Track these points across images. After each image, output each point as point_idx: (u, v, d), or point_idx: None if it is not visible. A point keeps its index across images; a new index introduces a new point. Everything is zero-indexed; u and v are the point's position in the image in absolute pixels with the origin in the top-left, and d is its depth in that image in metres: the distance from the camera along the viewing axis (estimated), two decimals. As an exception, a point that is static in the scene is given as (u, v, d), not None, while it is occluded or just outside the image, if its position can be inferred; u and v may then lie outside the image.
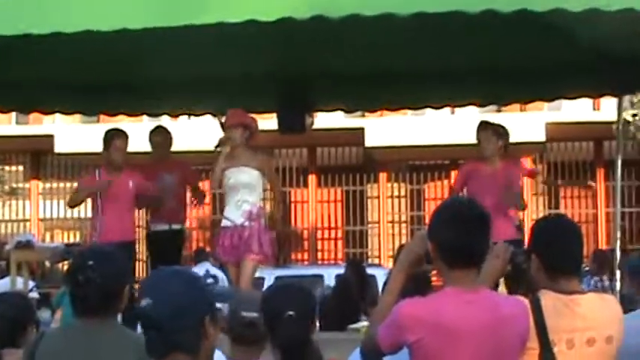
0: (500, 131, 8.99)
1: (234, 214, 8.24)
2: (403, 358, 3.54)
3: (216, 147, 8.35)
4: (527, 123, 18.44)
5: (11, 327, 4.40)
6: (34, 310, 4.90)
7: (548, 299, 3.78)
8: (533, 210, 19.73)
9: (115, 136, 9.13)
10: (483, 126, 8.96)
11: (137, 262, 10.77)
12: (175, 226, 9.56)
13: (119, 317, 4.01)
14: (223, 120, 8.59)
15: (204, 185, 10.91)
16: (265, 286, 10.86)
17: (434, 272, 3.81)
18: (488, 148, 8.79)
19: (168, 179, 9.44)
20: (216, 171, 8.31)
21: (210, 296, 3.00)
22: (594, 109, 19.68)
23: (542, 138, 18.82)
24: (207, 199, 20.11)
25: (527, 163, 9.70)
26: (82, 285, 3.72)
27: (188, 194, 9.78)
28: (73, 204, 9.73)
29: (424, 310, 3.48)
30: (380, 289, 10.92)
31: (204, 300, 2.95)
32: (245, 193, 8.24)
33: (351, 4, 5.96)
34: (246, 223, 8.16)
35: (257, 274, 11.79)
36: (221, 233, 8.41)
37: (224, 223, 8.37)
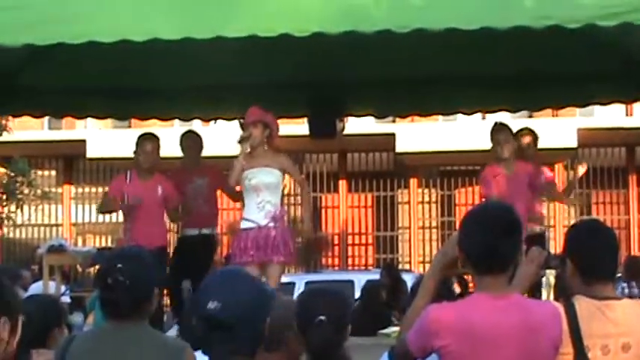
0: (527, 132, 8.93)
1: (257, 215, 8.04)
2: None
3: (239, 142, 8.12)
4: (559, 129, 18.36)
5: (38, 328, 4.42)
6: (63, 313, 4.91)
7: (583, 304, 3.76)
8: (565, 216, 19.64)
9: (145, 140, 9.14)
10: (498, 127, 8.83)
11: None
12: (206, 231, 9.54)
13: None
14: (242, 120, 8.37)
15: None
16: (296, 292, 10.91)
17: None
18: (507, 149, 8.65)
19: (199, 183, 9.46)
20: (235, 167, 8.10)
21: (271, 300, 2.99)
22: (627, 114, 19.57)
23: (574, 144, 18.71)
24: (238, 204, 20.17)
25: (546, 171, 9.55)
26: (111, 288, 3.72)
27: (219, 199, 9.79)
28: (102, 211, 9.74)
29: (452, 315, 3.47)
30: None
31: (267, 303, 2.95)
32: (267, 194, 8.06)
33: (382, 19, 5.98)
34: (271, 224, 7.98)
35: (288, 280, 11.86)
36: (242, 235, 8.10)
37: (244, 224, 8.13)
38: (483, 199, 9.05)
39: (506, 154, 8.66)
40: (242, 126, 8.29)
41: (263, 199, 8.05)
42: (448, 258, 3.67)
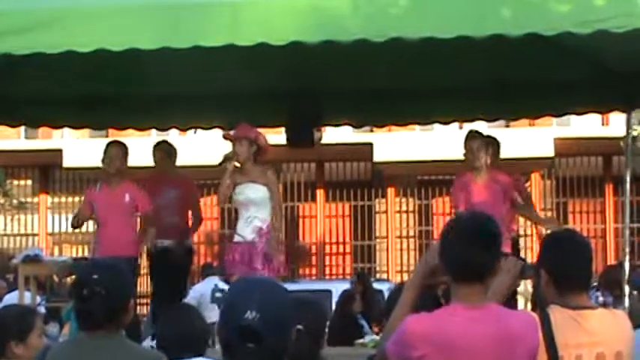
0: (490, 141, 8.89)
1: (245, 230, 8.26)
2: None
3: (220, 163, 8.33)
4: (535, 138, 18.45)
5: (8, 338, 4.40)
6: (28, 326, 4.85)
7: (557, 314, 3.77)
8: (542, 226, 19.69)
9: (110, 145, 9.08)
10: (472, 135, 8.83)
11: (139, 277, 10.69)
12: (180, 242, 9.48)
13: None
14: (232, 133, 8.50)
15: (206, 201, 10.92)
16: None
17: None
18: (479, 158, 8.62)
19: (170, 194, 9.41)
20: (221, 188, 8.32)
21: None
22: (603, 124, 19.66)
23: (550, 153, 18.80)
24: (216, 214, 20.10)
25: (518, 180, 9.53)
26: (87, 299, 3.70)
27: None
28: (74, 225, 9.59)
29: (428, 326, 3.47)
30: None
31: (294, 313, 2.91)
32: (254, 209, 8.25)
33: (359, 29, 5.99)
34: (257, 239, 8.18)
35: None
36: (232, 248, 8.40)
37: (236, 238, 8.39)
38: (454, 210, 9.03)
39: (477, 163, 8.66)
40: (225, 138, 8.44)
41: (251, 214, 8.25)
42: (429, 267, 3.68)
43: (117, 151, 9.02)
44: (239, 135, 8.32)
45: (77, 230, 9.82)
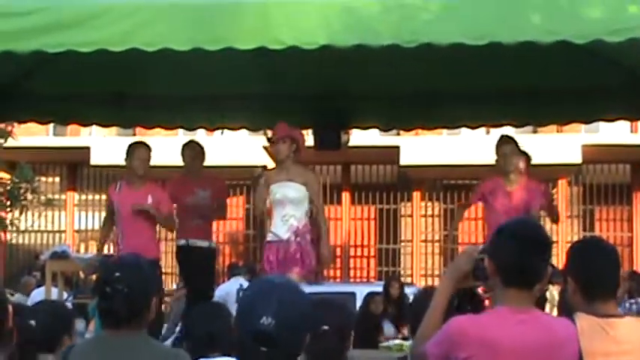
0: (522, 148, 8.85)
1: (281, 229, 8.21)
2: None
3: (256, 179, 8.35)
4: (563, 144, 18.37)
5: (47, 334, 4.42)
6: (72, 319, 4.91)
7: (584, 322, 3.76)
8: (568, 232, 19.62)
9: (139, 146, 9.04)
10: (505, 140, 8.78)
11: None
12: (207, 243, 9.52)
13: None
14: (270, 134, 8.48)
15: (232, 202, 10.96)
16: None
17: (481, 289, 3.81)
18: (510, 162, 8.57)
19: (201, 195, 9.43)
20: (257, 202, 8.40)
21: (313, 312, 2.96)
22: (632, 131, 19.58)
23: (578, 160, 18.72)
24: (241, 214, 20.15)
25: (547, 189, 9.46)
26: (110, 297, 3.70)
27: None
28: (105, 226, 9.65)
29: (475, 327, 3.47)
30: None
31: (310, 315, 2.91)
32: (291, 208, 8.20)
33: (390, 33, 5.99)
34: (292, 239, 8.14)
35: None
36: (266, 247, 8.33)
37: (270, 237, 8.32)
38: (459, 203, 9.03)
39: (510, 167, 8.61)
40: (269, 141, 8.42)
41: (287, 212, 8.20)
42: (461, 271, 3.69)
43: (146, 152, 9.01)
44: (281, 134, 8.28)
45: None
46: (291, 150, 8.27)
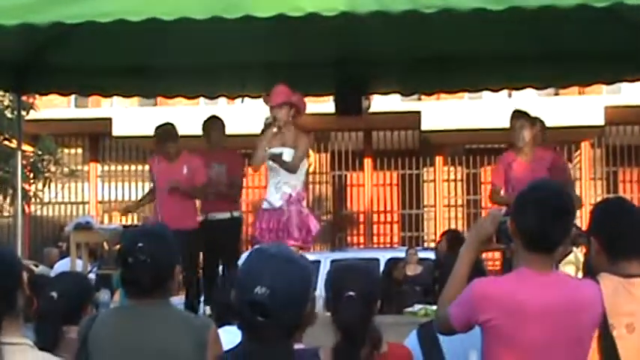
0: (534, 119, 8.85)
1: (274, 196, 7.96)
2: (474, 337, 3.55)
3: (263, 131, 8.02)
4: (585, 106, 18.25)
5: (72, 304, 4.44)
6: (93, 290, 4.94)
7: (607, 282, 3.74)
8: (591, 194, 19.56)
9: (166, 135, 9.26)
10: (515, 115, 8.81)
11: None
12: (235, 214, 9.56)
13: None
14: (270, 99, 8.18)
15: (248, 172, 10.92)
16: (322, 270, 10.94)
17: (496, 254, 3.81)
18: (522, 137, 8.63)
19: (217, 169, 9.45)
20: (257, 152, 7.95)
21: (313, 279, 2.95)
22: (654, 92, 19.43)
23: (601, 122, 18.60)
24: (264, 182, 20.21)
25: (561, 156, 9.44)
26: (132, 266, 3.69)
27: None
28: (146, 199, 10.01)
29: (497, 289, 3.48)
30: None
31: (310, 287, 2.90)
32: (285, 175, 7.93)
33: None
34: (285, 207, 7.87)
35: (313, 258, 11.87)
36: (259, 215, 8.12)
37: (264, 205, 8.11)
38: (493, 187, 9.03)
39: (521, 142, 8.66)
40: (268, 104, 8.23)
41: (280, 179, 7.96)
42: (485, 234, 3.69)
43: (175, 130, 9.27)
44: (279, 100, 7.96)
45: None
46: (290, 115, 7.95)
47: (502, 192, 8.81)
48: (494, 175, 9.06)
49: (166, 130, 9.30)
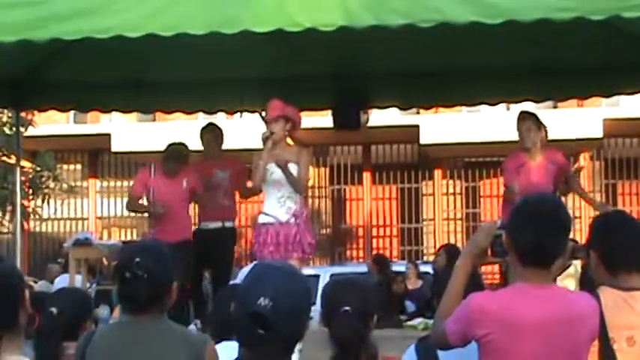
0: (541, 122, 8.86)
1: (277, 210, 7.93)
2: (471, 352, 3.53)
3: (263, 141, 7.96)
4: (584, 119, 18.27)
5: (70, 321, 4.43)
6: (92, 306, 4.93)
7: (608, 295, 3.74)
8: (590, 207, 19.51)
9: (168, 154, 9.37)
10: (522, 116, 8.78)
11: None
12: (227, 224, 9.54)
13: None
14: (264, 114, 8.26)
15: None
16: (321, 284, 10.92)
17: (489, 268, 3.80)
18: (529, 138, 8.60)
19: (221, 175, 9.47)
20: (259, 166, 7.92)
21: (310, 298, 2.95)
22: (653, 104, 19.44)
23: (599, 134, 18.62)
24: (262, 197, 20.15)
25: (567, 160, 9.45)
26: (129, 282, 3.68)
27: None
28: (130, 209, 10.03)
29: (494, 303, 3.47)
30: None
31: (309, 302, 2.89)
32: (288, 189, 7.92)
33: (406, 13, 5.99)
34: (292, 221, 7.88)
35: (312, 272, 11.87)
36: (261, 230, 8.01)
37: (263, 219, 8.01)
38: (504, 187, 8.99)
39: (528, 143, 8.64)
40: (264, 120, 8.24)
41: (284, 194, 7.94)
42: (480, 248, 3.68)
43: (180, 153, 9.35)
44: (275, 114, 7.93)
45: (126, 214, 9.98)
46: (286, 129, 7.96)
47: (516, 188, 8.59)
48: (508, 177, 8.89)
49: (171, 151, 9.41)
